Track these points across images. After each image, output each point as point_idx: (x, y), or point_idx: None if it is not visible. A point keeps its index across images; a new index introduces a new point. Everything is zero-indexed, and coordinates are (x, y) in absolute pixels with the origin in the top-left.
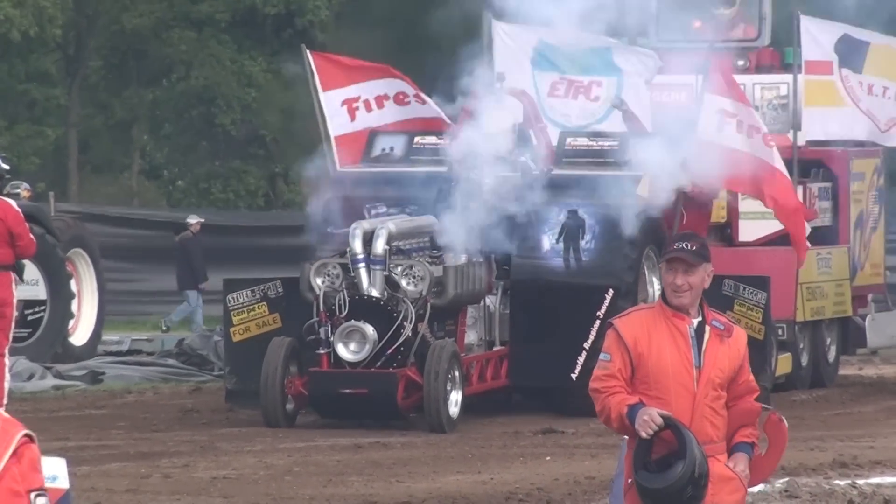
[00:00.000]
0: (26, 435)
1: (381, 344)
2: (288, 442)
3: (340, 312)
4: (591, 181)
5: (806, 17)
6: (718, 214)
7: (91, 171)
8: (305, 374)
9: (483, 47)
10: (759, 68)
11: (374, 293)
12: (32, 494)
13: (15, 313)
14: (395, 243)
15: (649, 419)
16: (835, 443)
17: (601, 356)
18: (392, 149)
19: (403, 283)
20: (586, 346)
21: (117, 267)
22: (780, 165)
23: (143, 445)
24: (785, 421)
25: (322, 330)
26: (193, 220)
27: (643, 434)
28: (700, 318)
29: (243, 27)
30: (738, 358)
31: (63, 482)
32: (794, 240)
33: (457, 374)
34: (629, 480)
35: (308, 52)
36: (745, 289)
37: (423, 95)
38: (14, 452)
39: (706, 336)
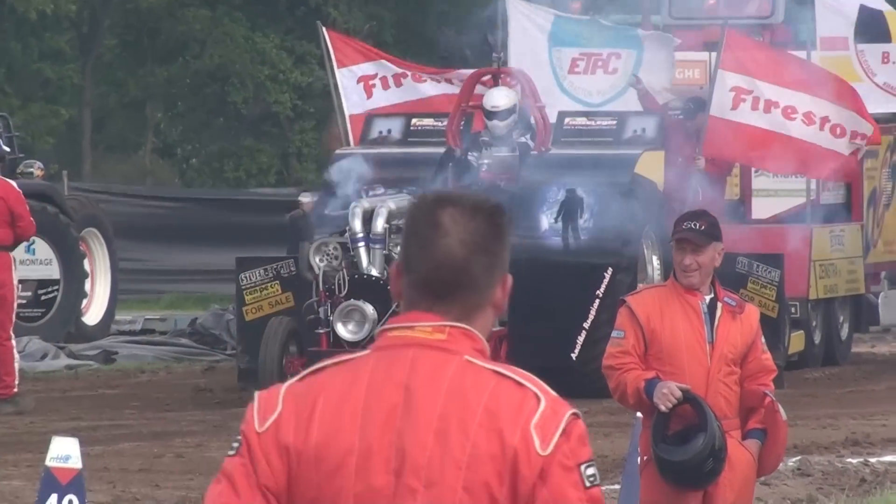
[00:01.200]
0: (573, 414)
1: (380, 323)
2: None
3: (340, 292)
4: (589, 160)
5: None
6: (732, 192)
7: (105, 150)
8: (305, 353)
9: (497, 24)
10: (773, 45)
11: (374, 272)
12: (582, 466)
13: (18, 295)
14: (394, 222)
15: (668, 392)
16: (847, 420)
17: (614, 333)
18: (389, 131)
19: None
20: (586, 325)
21: (130, 246)
22: (803, 134)
23: (155, 425)
24: (782, 412)
25: (321, 309)
26: (306, 198)
27: (662, 407)
28: (712, 295)
29: (257, 5)
30: (750, 334)
31: (76, 462)
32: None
33: None
34: (645, 458)
35: (324, 28)
36: (758, 266)
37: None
38: (563, 431)
39: (718, 312)
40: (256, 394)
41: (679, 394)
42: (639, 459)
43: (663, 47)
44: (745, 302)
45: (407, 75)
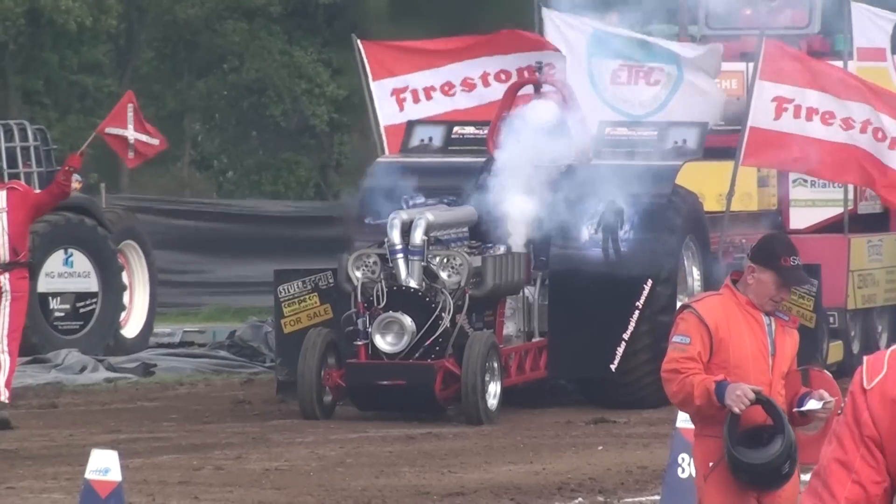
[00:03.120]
0: None
1: (419, 335)
2: (340, 433)
3: (378, 303)
4: (630, 171)
5: (857, 4)
6: (769, 202)
7: (142, 163)
8: (343, 365)
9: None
10: (810, 55)
11: (413, 284)
12: None
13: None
14: (433, 233)
15: (742, 394)
16: None
17: (678, 339)
18: (431, 139)
19: (442, 273)
20: (626, 336)
21: (169, 258)
22: (843, 139)
23: (195, 437)
24: (827, 371)
25: (360, 321)
26: None
27: (737, 409)
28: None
29: (294, 17)
30: (796, 347)
31: (115, 475)
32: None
33: (495, 365)
34: (710, 463)
35: (358, 41)
36: None
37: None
38: None
39: (773, 326)
40: (865, 357)
41: (752, 395)
42: (703, 467)
43: (705, 65)
44: (795, 316)
45: (436, 88)
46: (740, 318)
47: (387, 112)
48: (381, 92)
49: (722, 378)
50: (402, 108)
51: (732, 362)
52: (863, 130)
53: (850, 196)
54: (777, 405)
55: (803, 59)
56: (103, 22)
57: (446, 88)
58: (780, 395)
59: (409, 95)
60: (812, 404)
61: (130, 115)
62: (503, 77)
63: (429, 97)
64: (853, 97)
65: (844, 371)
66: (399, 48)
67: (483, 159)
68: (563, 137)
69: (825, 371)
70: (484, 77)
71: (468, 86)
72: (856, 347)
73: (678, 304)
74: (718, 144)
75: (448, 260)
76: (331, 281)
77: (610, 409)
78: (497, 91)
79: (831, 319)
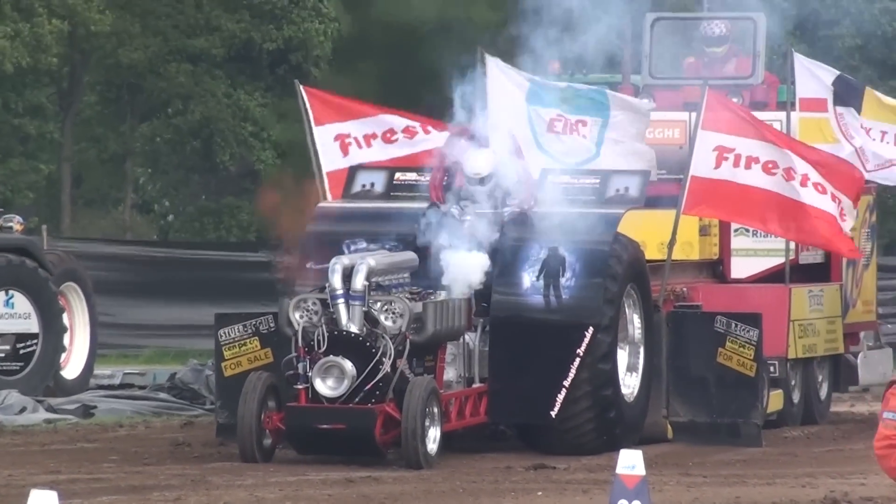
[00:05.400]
0: None
1: (359, 380)
2: (279, 476)
3: (319, 348)
4: (572, 218)
5: (800, 56)
6: (711, 251)
7: (84, 205)
8: (284, 409)
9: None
10: (753, 105)
11: (353, 329)
12: None
13: None
14: (374, 279)
15: None
16: (826, 479)
17: (890, 415)
18: (373, 184)
19: (383, 318)
20: (566, 383)
21: (110, 301)
22: (784, 189)
23: (134, 479)
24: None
25: (300, 365)
26: None
27: None
28: None
29: (238, 62)
30: None
31: None
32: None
33: (435, 410)
34: None
35: (301, 87)
36: (736, 325)
37: (416, 128)
38: None
39: None
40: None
41: None
42: None
43: (635, 115)
44: None
45: (377, 136)
46: None
47: (330, 157)
48: (324, 137)
49: None
50: (346, 154)
51: None
52: (803, 183)
53: (792, 246)
54: None
55: (742, 112)
56: (43, 61)
57: (388, 135)
58: None
59: (353, 141)
60: None
61: None
62: (439, 127)
63: (369, 144)
64: (791, 150)
65: (785, 420)
66: (338, 99)
67: (425, 205)
68: (506, 184)
69: None
70: (423, 125)
71: (409, 133)
72: (796, 397)
73: (618, 353)
74: (660, 193)
75: (389, 305)
76: (272, 325)
77: (550, 455)
78: (438, 138)
79: (772, 368)
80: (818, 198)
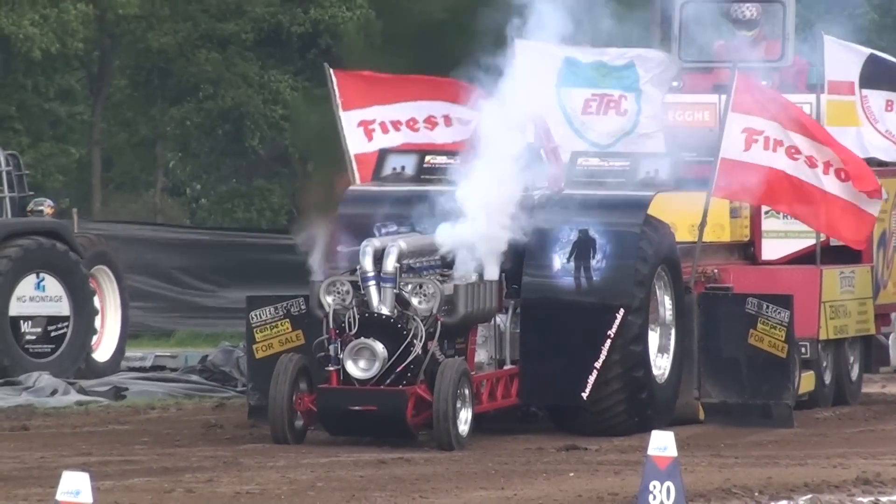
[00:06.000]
0: None
1: (390, 361)
2: (311, 457)
3: (350, 330)
4: (602, 201)
5: (829, 38)
6: (741, 233)
7: (114, 189)
8: (315, 390)
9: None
10: (782, 88)
11: (384, 311)
12: None
13: None
14: (405, 261)
15: None
16: (858, 460)
17: None
18: (403, 168)
19: (414, 300)
20: (597, 365)
21: (141, 283)
22: (809, 178)
23: (166, 461)
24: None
25: (332, 347)
26: None
27: None
28: None
29: (268, 46)
30: None
31: (86, 496)
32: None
33: (466, 392)
34: None
35: (330, 70)
36: (768, 307)
37: (438, 118)
38: None
39: None
40: None
41: None
42: None
43: (660, 75)
44: None
45: (401, 123)
46: None
47: (356, 141)
48: (349, 122)
49: None
50: (370, 139)
51: None
52: (825, 171)
53: None
54: None
55: (772, 95)
56: (70, 46)
57: (411, 123)
58: None
59: (377, 127)
60: None
61: None
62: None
63: (397, 129)
64: (815, 138)
65: (817, 401)
66: (367, 79)
67: (455, 188)
68: (537, 167)
69: None
70: (446, 118)
71: (431, 123)
72: (827, 378)
73: (649, 335)
74: (691, 175)
75: (420, 287)
76: (303, 307)
77: (581, 436)
78: (456, 131)
79: (803, 350)
80: (840, 186)
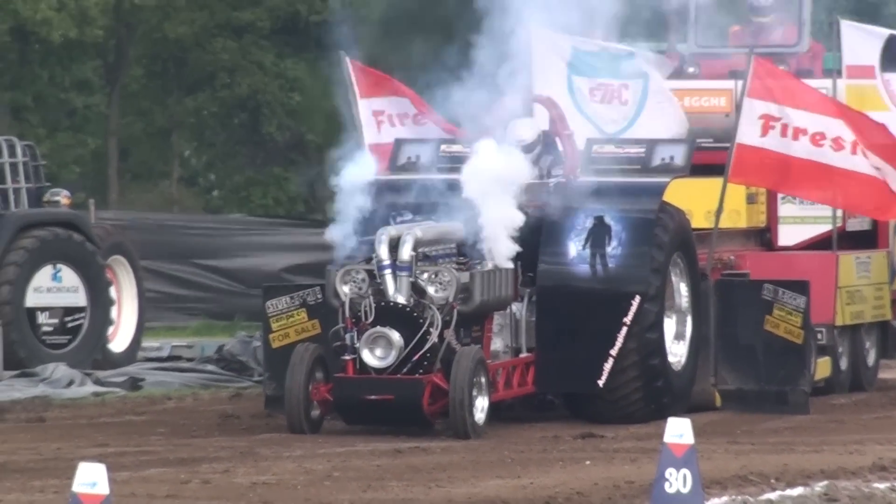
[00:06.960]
0: None
1: (407, 350)
2: (327, 447)
3: (366, 319)
4: (617, 188)
5: (846, 22)
6: (758, 219)
7: (130, 179)
8: (331, 380)
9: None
10: (798, 74)
11: (400, 299)
12: None
13: None
14: (421, 249)
15: None
16: (874, 446)
17: None
18: (418, 157)
19: (430, 289)
20: (613, 352)
21: (158, 273)
22: (832, 160)
23: (182, 451)
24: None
25: (348, 336)
26: None
27: None
28: None
29: (284, 34)
30: None
31: (103, 488)
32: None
33: (483, 380)
34: None
35: (347, 59)
36: (784, 293)
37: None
38: None
39: None
40: None
41: None
42: None
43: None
44: None
45: (409, 116)
46: None
47: (369, 131)
48: (364, 111)
49: None
50: (379, 130)
51: None
52: (853, 151)
53: (839, 213)
54: None
55: (790, 79)
56: (88, 33)
57: (419, 117)
58: None
59: (385, 119)
60: None
61: None
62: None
63: (402, 123)
64: (838, 116)
65: (833, 387)
66: (375, 74)
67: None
68: (552, 154)
69: None
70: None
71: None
72: (843, 364)
73: (665, 322)
74: (707, 161)
75: (436, 275)
76: (319, 296)
77: (597, 424)
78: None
79: (819, 336)
80: (867, 164)
